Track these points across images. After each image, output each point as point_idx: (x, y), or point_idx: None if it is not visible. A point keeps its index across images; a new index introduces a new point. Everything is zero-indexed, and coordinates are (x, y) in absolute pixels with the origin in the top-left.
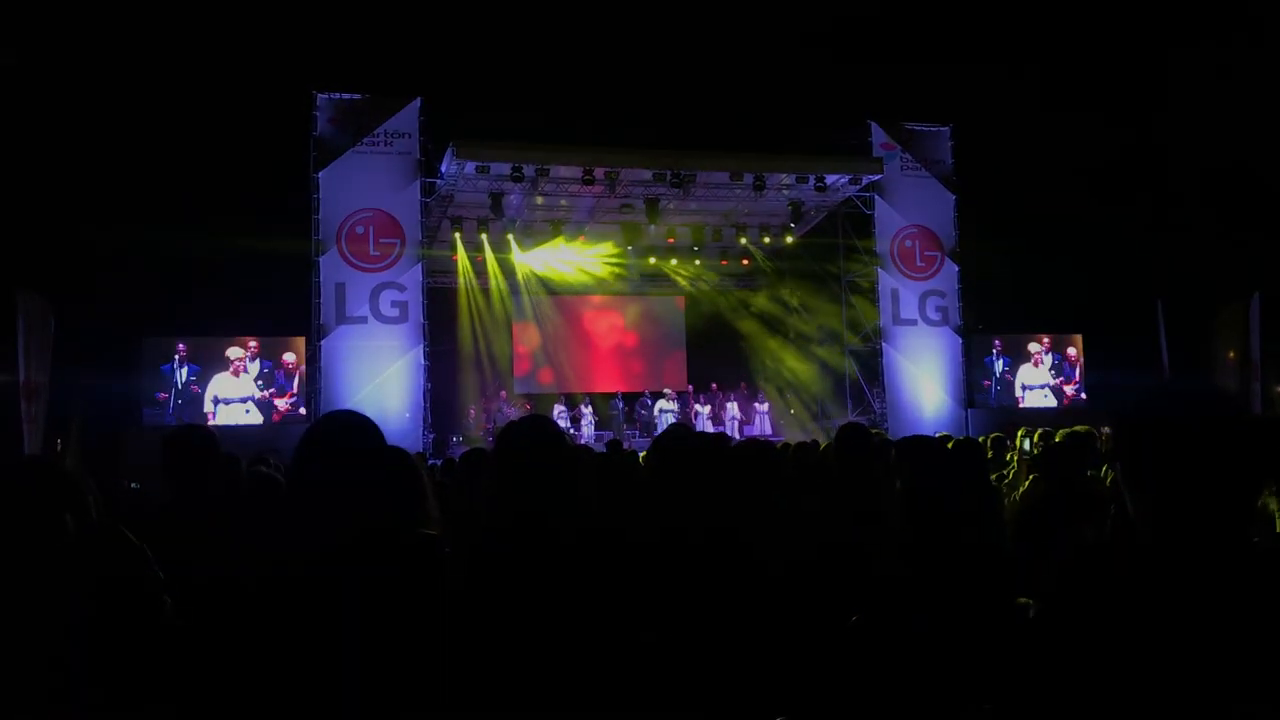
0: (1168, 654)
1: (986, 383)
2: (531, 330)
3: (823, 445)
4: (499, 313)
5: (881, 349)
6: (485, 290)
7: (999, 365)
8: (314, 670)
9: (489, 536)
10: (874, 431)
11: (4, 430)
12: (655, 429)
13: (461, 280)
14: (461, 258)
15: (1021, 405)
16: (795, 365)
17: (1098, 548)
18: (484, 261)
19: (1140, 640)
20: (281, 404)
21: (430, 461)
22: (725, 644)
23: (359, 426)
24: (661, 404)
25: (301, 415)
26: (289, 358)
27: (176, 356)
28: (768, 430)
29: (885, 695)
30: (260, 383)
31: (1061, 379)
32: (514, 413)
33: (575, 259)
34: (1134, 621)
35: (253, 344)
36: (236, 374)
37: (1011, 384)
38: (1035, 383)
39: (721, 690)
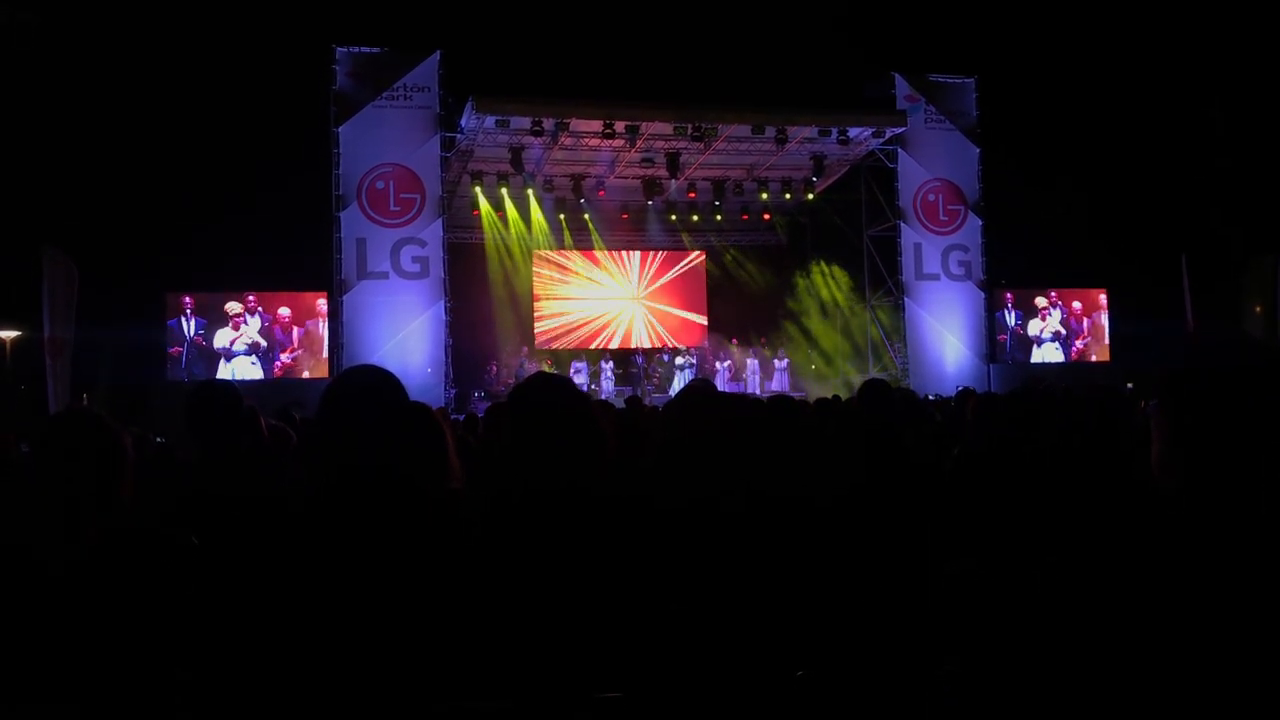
0: (1190, 598)
1: (1002, 337)
2: (552, 286)
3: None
4: (520, 269)
5: (904, 304)
6: (506, 245)
7: (1010, 319)
8: (335, 622)
9: (502, 499)
10: (896, 387)
11: (30, 386)
12: (674, 385)
13: (485, 236)
14: (483, 212)
15: (1032, 360)
16: (816, 321)
17: (1112, 499)
18: (505, 217)
19: (1164, 587)
20: (283, 359)
21: (453, 416)
22: (752, 609)
23: (381, 381)
24: (680, 360)
25: (301, 373)
26: (283, 312)
27: (186, 311)
28: (787, 386)
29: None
30: (259, 337)
31: (1068, 333)
32: (535, 368)
33: (595, 214)
34: (1158, 569)
35: (250, 298)
36: (236, 328)
37: (1024, 338)
38: (1045, 335)
39: (744, 655)
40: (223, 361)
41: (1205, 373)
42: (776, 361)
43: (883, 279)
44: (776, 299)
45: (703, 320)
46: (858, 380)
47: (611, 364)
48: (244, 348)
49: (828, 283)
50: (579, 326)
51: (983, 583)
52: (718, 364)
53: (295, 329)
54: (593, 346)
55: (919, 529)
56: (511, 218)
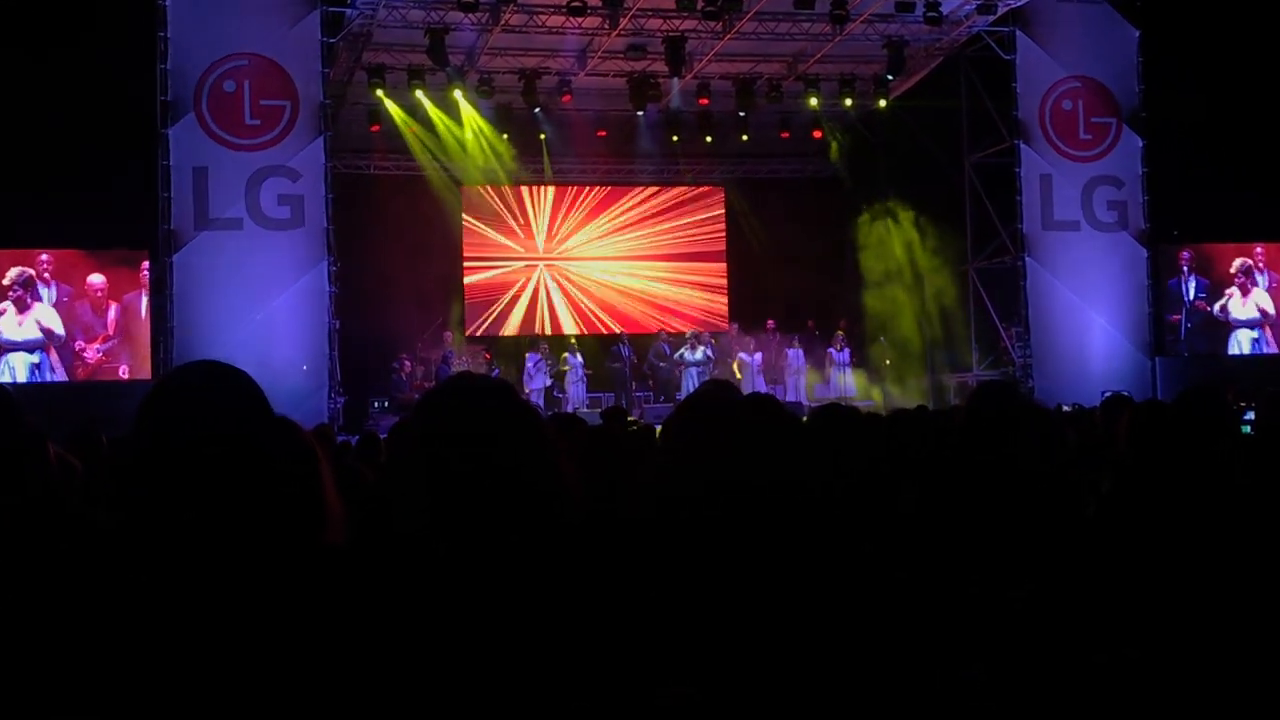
0: None
1: (1175, 317)
2: (492, 241)
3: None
4: (443, 215)
5: (1023, 266)
6: (423, 179)
7: (1189, 289)
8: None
9: (402, 558)
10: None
11: None
12: (679, 389)
13: (390, 164)
14: (393, 123)
15: (1228, 352)
16: (892, 293)
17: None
18: (421, 135)
19: None
20: (91, 352)
21: (340, 438)
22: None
23: (225, 388)
24: (687, 351)
25: (117, 373)
26: (96, 280)
27: None
28: (850, 391)
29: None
30: (54, 320)
31: None
32: (464, 365)
33: (556, 132)
34: None
35: (44, 259)
36: (21, 308)
37: (1210, 318)
38: (1244, 317)
39: None
40: None
41: None
42: (833, 353)
43: (992, 228)
44: (832, 260)
45: (721, 291)
46: (953, 381)
47: (582, 358)
48: (30, 336)
49: (908, 234)
50: (531, 302)
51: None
52: (745, 357)
53: (112, 306)
54: (551, 332)
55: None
56: (429, 137)
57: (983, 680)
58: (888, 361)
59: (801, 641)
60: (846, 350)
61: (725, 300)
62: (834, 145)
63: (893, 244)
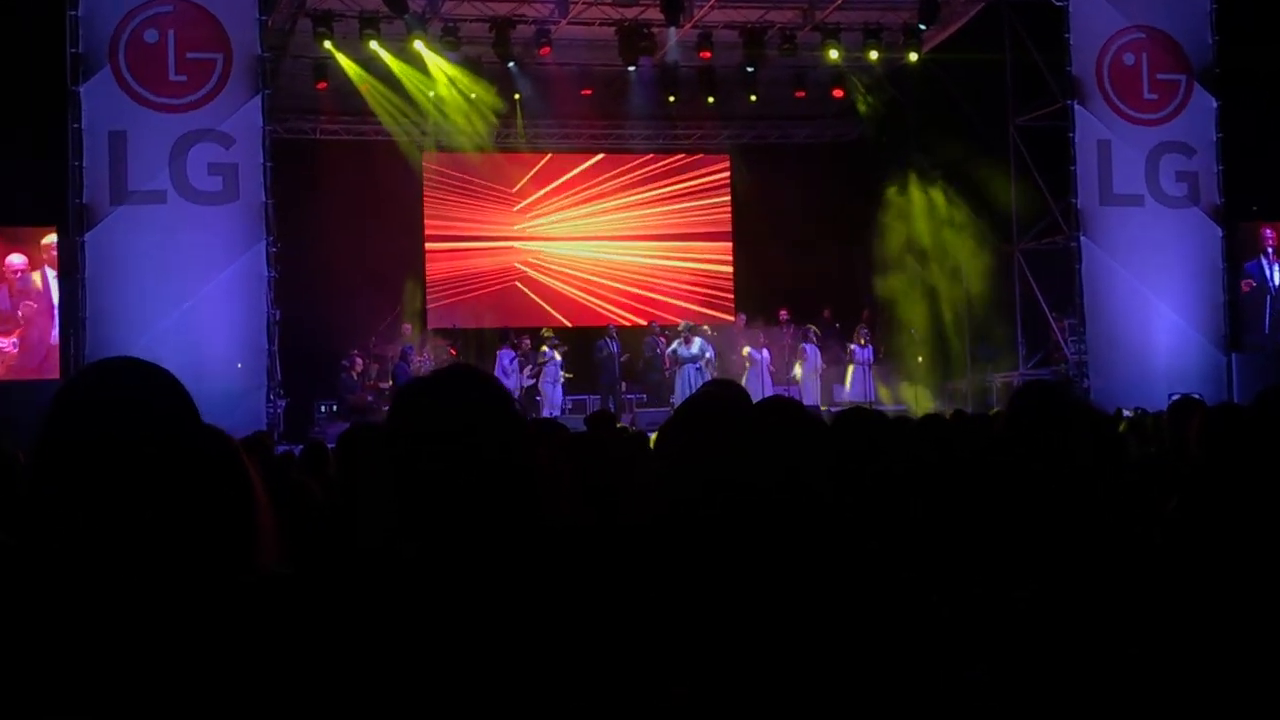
0: None
1: (1254, 307)
2: (460, 218)
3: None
4: (405, 186)
5: (1078, 248)
6: (379, 146)
7: (1273, 274)
8: None
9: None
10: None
11: None
12: (672, 391)
13: (339, 128)
14: (344, 79)
15: None
16: (924, 279)
17: None
18: (380, 93)
19: None
20: (9, 345)
21: (281, 448)
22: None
23: (143, 390)
24: (680, 346)
25: (27, 372)
26: (15, 262)
27: None
28: (871, 392)
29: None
30: None
31: None
32: (427, 364)
33: (534, 90)
34: None
35: None
36: None
37: None
38: None
39: None
40: None
41: None
42: (855, 349)
43: (1041, 204)
44: (854, 240)
45: (726, 276)
46: (996, 382)
47: (561, 356)
48: None
49: (943, 211)
50: (503, 289)
51: None
52: (753, 353)
53: (24, 294)
54: (528, 324)
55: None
56: (385, 94)
57: (986, 681)
58: (919, 359)
59: (804, 642)
60: (870, 347)
61: (730, 287)
62: (860, 103)
63: (925, 222)
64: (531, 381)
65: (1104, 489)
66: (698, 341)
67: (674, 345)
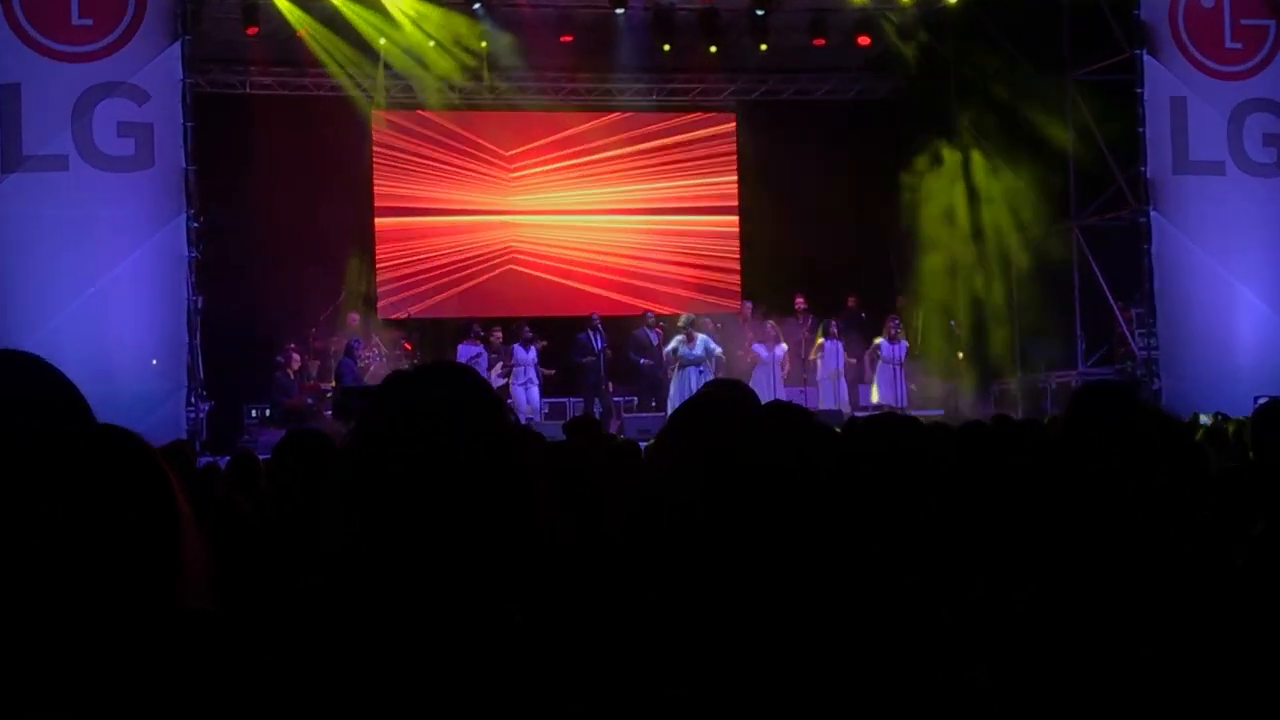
0: None
1: None
2: (418, 186)
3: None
4: (352, 150)
5: (1147, 224)
6: (321, 102)
7: None
8: None
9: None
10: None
11: None
12: (673, 394)
13: (273, 81)
14: (280, 23)
15: None
16: (965, 261)
17: None
18: (318, 38)
19: None
20: None
21: (204, 459)
22: None
23: (34, 390)
24: (681, 344)
25: None
26: None
27: None
28: (901, 396)
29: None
30: None
31: None
32: (376, 360)
33: (502, 35)
34: None
35: None
36: None
37: None
38: None
39: None
40: None
41: None
42: (885, 344)
43: (1104, 172)
44: (882, 217)
45: (732, 259)
46: (1051, 383)
47: (535, 351)
48: None
49: (988, 181)
50: (467, 272)
51: None
52: (762, 351)
53: None
54: (496, 314)
55: None
56: (329, 40)
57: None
58: (960, 355)
59: (803, 642)
60: (903, 342)
61: (737, 269)
62: (891, 53)
63: (966, 194)
64: (502, 382)
65: (1178, 508)
66: (701, 339)
67: (674, 343)
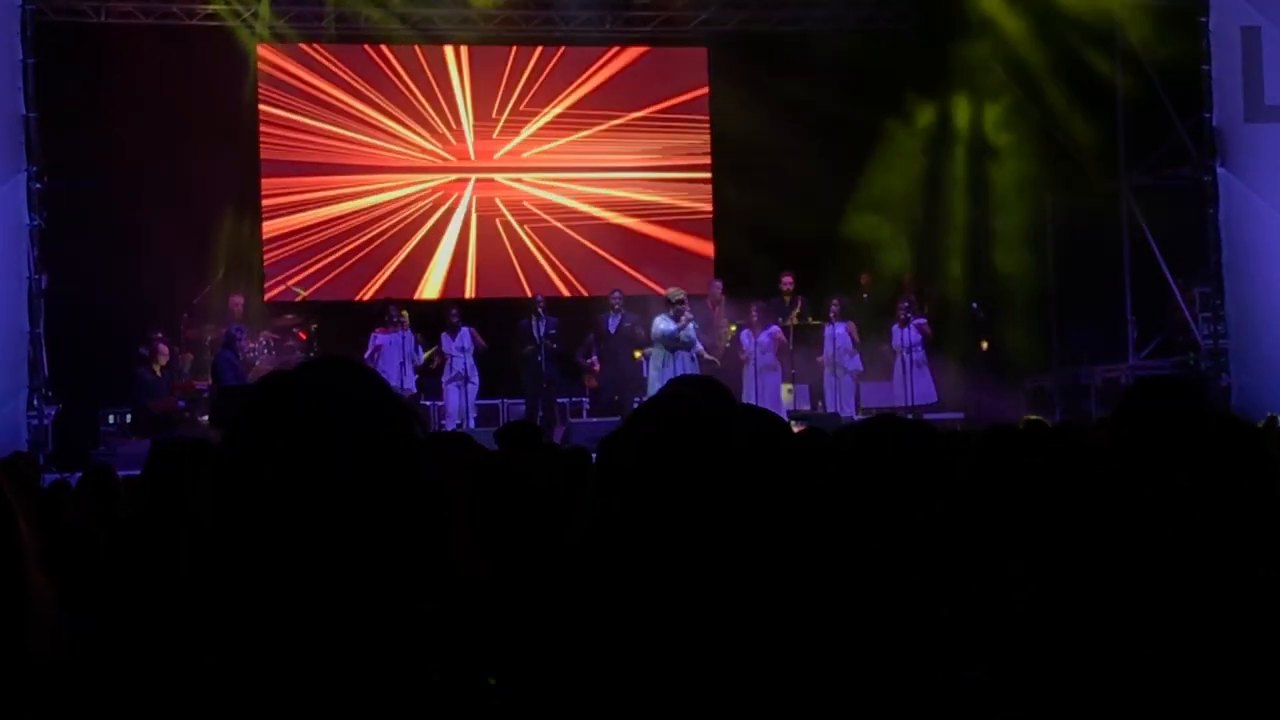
0: None
1: None
2: (315, 137)
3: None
4: (231, 94)
5: (1213, 182)
6: (193, 32)
7: None
8: None
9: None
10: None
11: None
12: (642, 391)
13: (133, 8)
14: None
15: None
16: (991, 230)
17: None
18: None
19: None
20: None
21: (50, 476)
22: None
23: None
24: (662, 319)
25: None
26: None
27: None
28: (930, 392)
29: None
30: None
31: None
32: (263, 354)
33: None
34: None
35: None
36: None
37: None
38: None
39: None
40: None
41: None
42: (897, 332)
43: (1161, 120)
44: (896, 171)
45: (705, 226)
46: (1097, 378)
47: (469, 335)
48: None
49: (1017, 132)
50: (376, 244)
51: None
52: (745, 341)
53: None
54: (411, 296)
55: None
56: None
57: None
58: (984, 345)
59: (803, 643)
60: (914, 327)
61: (710, 243)
62: None
63: (992, 147)
64: (415, 379)
65: (1249, 522)
66: (666, 321)
67: (662, 324)
